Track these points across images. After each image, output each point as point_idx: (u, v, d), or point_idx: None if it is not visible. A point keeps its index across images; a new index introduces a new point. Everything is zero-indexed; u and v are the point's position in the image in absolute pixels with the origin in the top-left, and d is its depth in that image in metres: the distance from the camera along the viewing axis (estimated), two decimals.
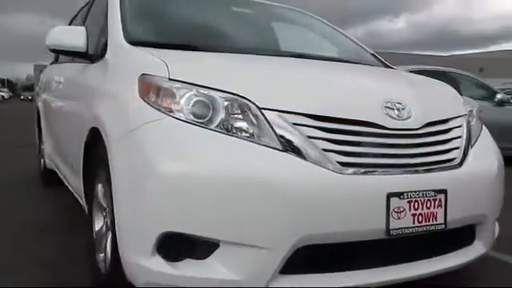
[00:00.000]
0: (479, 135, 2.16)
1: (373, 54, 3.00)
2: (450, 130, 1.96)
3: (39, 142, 4.79)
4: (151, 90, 1.74)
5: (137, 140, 1.68)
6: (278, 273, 1.58)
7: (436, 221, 1.76)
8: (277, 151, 1.61)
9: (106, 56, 2.27)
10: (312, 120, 1.67)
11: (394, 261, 1.76)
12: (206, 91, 1.70)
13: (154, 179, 1.59)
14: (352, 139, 1.69)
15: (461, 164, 1.90)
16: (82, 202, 2.60)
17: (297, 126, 1.65)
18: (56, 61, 4.24)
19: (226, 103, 1.68)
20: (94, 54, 2.47)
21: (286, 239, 1.55)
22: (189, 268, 1.60)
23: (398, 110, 1.82)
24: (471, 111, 2.22)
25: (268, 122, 1.64)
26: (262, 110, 1.66)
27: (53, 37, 2.50)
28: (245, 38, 2.71)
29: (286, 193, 1.55)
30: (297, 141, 1.63)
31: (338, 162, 1.64)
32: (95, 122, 2.04)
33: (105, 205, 2.13)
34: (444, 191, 1.78)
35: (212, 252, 1.58)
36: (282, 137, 1.62)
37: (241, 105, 1.67)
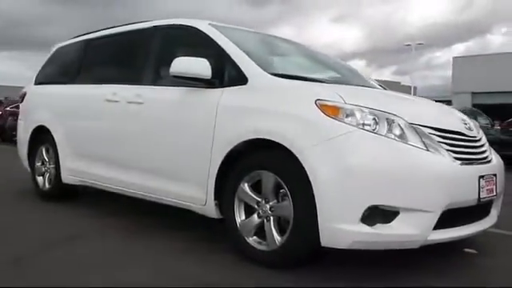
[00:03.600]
0: None
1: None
2: (482, 137, 3.08)
3: (33, 163, 4.83)
4: (338, 111, 2.51)
5: (338, 145, 2.43)
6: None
7: (493, 193, 2.84)
8: (423, 150, 2.52)
9: (249, 83, 2.89)
10: (436, 131, 2.62)
11: (476, 219, 2.80)
12: (373, 111, 2.53)
13: (360, 171, 2.37)
14: (457, 143, 2.69)
15: (491, 159, 3.02)
16: (193, 204, 3.11)
17: (430, 135, 2.58)
18: (71, 82, 4.45)
19: (387, 119, 2.53)
20: (215, 81, 3.05)
21: (440, 205, 2.46)
22: (381, 229, 2.40)
23: (467, 124, 2.88)
24: None
25: (416, 132, 2.54)
26: (411, 124, 2.55)
27: (180, 66, 3.03)
28: (333, 72, 3.57)
29: (436, 175, 2.48)
30: (433, 144, 2.56)
31: (454, 157, 2.61)
32: (265, 134, 2.67)
33: (258, 199, 2.76)
34: (495, 175, 2.87)
35: (395, 217, 2.41)
36: (425, 141, 2.54)
37: (397, 120, 2.54)
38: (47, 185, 4.63)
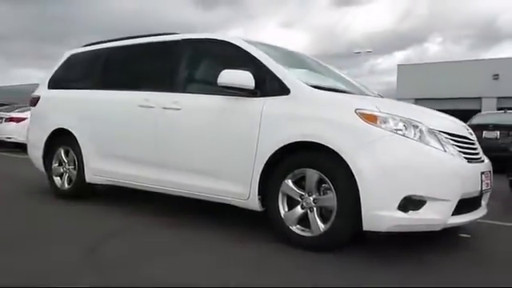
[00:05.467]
0: None
1: None
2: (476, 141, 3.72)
3: (49, 164, 5.03)
4: (376, 118, 3.03)
5: (378, 147, 2.96)
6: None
7: (489, 187, 3.47)
8: (441, 151, 3.09)
9: (291, 94, 3.35)
10: (449, 135, 3.21)
11: (475, 207, 3.41)
12: (402, 119, 3.08)
13: (397, 168, 2.92)
14: (464, 145, 3.30)
15: (484, 159, 3.66)
16: (237, 199, 3.54)
17: (446, 138, 3.16)
18: (94, 87, 4.71)
19: (413, 125, 3.09)
20: (257, 91, 3.49)
21: (458, 195, 3.05)
22: (412, 215, 2.95)
23: (469, 130, 3.51)
24: None
25: (436, 136, 3.11)
26: (431, 130, 3.12)
27: (227, 77, 3.46)
28: (346, 85, 4.11)
29: (454, 171, 3.06)
30: (449, 146, 3.14)
31: (463, 157, 3.21)
32: (312, 137, 3.14)
33: (302, 192, 3.24)
34: (490, 171, 3.51)
35: (423, 205, 2.96)
36: (442, 143, 3.12)
37: (420, 126, 3.10)
38: (66, 185, 4.86)
